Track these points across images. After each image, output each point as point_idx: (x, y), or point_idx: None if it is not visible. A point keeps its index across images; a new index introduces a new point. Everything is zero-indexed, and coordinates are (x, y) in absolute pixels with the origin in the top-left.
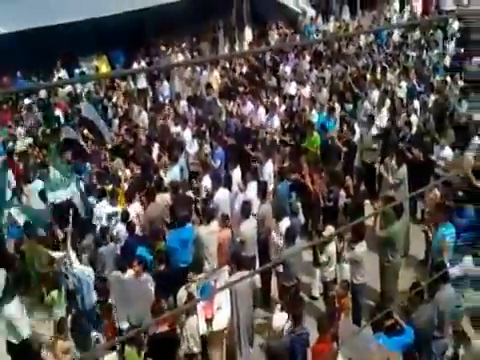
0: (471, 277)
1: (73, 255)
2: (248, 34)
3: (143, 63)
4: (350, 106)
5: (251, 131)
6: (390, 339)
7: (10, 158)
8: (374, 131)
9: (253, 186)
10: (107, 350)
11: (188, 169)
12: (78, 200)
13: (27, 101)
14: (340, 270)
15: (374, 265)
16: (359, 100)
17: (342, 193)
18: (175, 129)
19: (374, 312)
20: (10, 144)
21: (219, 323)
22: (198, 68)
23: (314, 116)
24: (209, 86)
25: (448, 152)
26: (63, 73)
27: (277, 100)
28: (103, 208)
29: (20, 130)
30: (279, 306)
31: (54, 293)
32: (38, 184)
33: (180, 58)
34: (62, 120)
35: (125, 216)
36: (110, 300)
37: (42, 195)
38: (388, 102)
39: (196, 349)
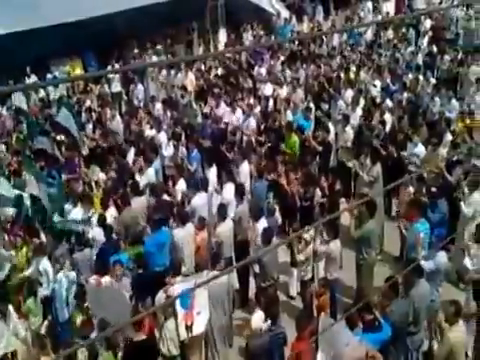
0: (444, 271)
1: (48, 263)
2: (222, 36)
3: (117, 66)
4: (325, 106)
5: (227, 133)
6: (367, 335)
7: None
8: (349, 130)
9: (230, 187)
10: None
11: (163, 172)
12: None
13: None
14: (317, 268)
15: (350, 262)
16: (333, 100)
17: (318, 192)
18: (150, 132)
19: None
20: None
21: (199, 327)
22: (172, 71)
23: (289, 116)
24: (184, 88)
25: (421, 149)
26: (33, 79)
27: (252, 101)
28: (78, 214)
29: None
30: (257, 307)
31: (30, 302)
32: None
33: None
34: (35, 126)
35: (102, 220)
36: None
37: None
38: (362, 101)
39: (175, 351)
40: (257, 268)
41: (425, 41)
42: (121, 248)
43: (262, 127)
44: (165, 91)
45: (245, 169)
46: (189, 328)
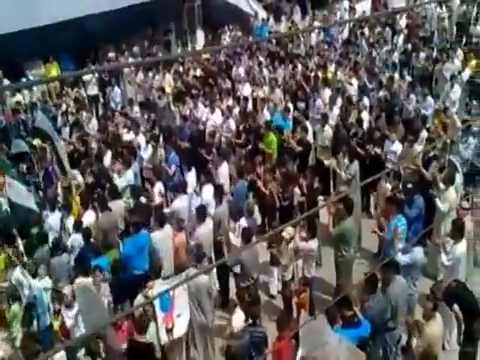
0: (421, 266)
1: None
2: (200, 37)
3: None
4: (303, 105)
5: (206, 134)
6: (347, 332)
7: None
8: (327, 129)
9: (209, 189)
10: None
11: (141, 175)
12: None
13: None
14: (296, 267)
15: (329, 260)
16: (311, 99)
17: (297, 192)
18: (128, 135)
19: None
20: None
21: (180, 329)
22: (150, 73)
23: (267, 116)
24: (162, 90)
25: (398, 146)
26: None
27: (231, 102)
28: (56, 219)
29: None
30: (237, 307)
31: (15, 307)
32: None
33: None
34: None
35: (78, 225)
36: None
37: None
38: (340, 100)
39: (157, 355)
40: (237, 268)
41: (401, 40)
42: (101, 252)
43: (241, 128)
44: (143, 93)
45: (224, 170)
46: (170, 331)
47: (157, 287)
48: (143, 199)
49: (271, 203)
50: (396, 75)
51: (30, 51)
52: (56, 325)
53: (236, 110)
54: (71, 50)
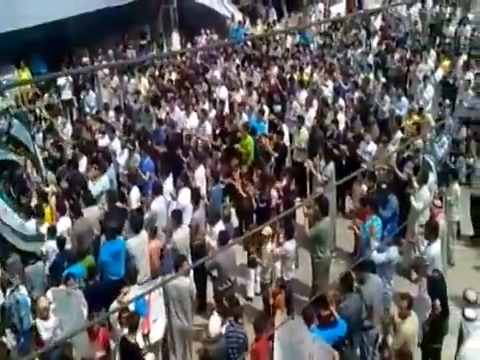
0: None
1: None
2: (176, 40)
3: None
4: (279, 108)
5: (182, 137)
6: (323, 332)
7: None
8: (304, 131)
9: (185, 193)
10: None
11: (117, 180)
12: None
13: None
14: (274, 269)
15: (307, 261)
16: (288, 101)
17: (274, 194)
18: (103, 140)
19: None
20: None
21: (156, 335)
22: (125, 76)
23: (244, 118)
24: (137, 94)
25: (373, 147)
26: None
27: (207, 105)
28: (31, 227)
29: None
30: (214, 311)
31: None
32: None
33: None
34: None
35: (52, 232)
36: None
37: None
38: (315, 102)
39: None
40: (215, 272)
41: (375, 41)
42: (76, 260)
43: (218, 131)
44: (118, 97)
45: (201, 173)
46: (146, 336)
47: (133, 293)
48: (119, 204)
49: (248, 206)
50: (371, 76)
51: (2, 55)
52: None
53: (212, 113)
54: (44, 54)
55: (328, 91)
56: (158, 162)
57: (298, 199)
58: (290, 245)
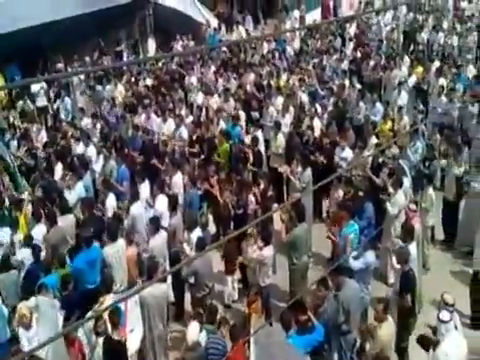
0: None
1: None
2: (152, 46)
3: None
4: (256, 114)
5: (158, 144)
6: (301, 337)
7: None
8: (280, 136)
9: (162, 200)
10: None
11: (94, 187)
12: None
13: None
14: (251, 275)
15: (285, 267)
16: (264, 107)
17: (251, 199)
18: (78, 147)
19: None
20: None
21: (133, 345)
22: (100, 85)
23: (222, 125)
24: (113, 100)
25: (348, 153)
26: None
27: (184, 111)
28: (5, 235)
29: None
30: (191, 319)
31: None
32: None
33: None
34: None
35: (28, 241)
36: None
37: None
38: (292, 108)
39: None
40: (192, 279)
41: (350, 48)
42: (51, 269)
43: (194, 137)
44: (94, 104)
45: (178, 180)
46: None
47: (108, 302)
48: (96, 212)
49: (226, 212)
50: (346, 82)
51: None
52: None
53: (189, 119)
54: (18, 60)
55: (304, 97)
56: (134, 169)
57: (275, 205)
58: (267, 251)
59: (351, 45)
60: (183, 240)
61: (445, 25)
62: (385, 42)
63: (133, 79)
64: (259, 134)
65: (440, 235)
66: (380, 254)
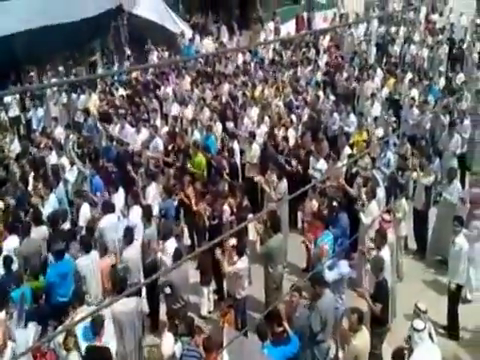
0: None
1: None
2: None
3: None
4: (230, 124)
5: (133, 154)
6: (276, 349)
7: None
8: (255, 147)
9: (136, 210)
10: None
11: (68, 198)
12: None
13: None
14: (229, 285)
15: (260, 278)
16: (239, 117)
17: (227, 210)
18: (51, 157)
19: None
20: None
21: None
22: (74, 94)
23: (195, 135)
24: (87, 111)
25: (322, 164)
26: None
27: (159, 122)
28: None
29: None
30: (166, 330)
31: None
32: None
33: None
34: None
35: None
36: None
37: None
38: (267, 118)
39: None
40: (168, 290)
41: (324, 59)
42: (23, 281)
43: (170, 147)
44: (67, 114)
45: (153, 190)
46: None
47: (81, 315)
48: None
49: (201, 223)
50: (320, 93)
51: None
52: None
53: (164, 129)
54: None
55: (279, 107)
56: (109, 180)
57: (251, 216)
58: (242, 263)
59: (325, 57)
60: (158, 250)
61: (416, 37)
62: (358, 54)
63: (107, 89)
64: (235, 145)
65: (413, 244)
66: (355, 264)
